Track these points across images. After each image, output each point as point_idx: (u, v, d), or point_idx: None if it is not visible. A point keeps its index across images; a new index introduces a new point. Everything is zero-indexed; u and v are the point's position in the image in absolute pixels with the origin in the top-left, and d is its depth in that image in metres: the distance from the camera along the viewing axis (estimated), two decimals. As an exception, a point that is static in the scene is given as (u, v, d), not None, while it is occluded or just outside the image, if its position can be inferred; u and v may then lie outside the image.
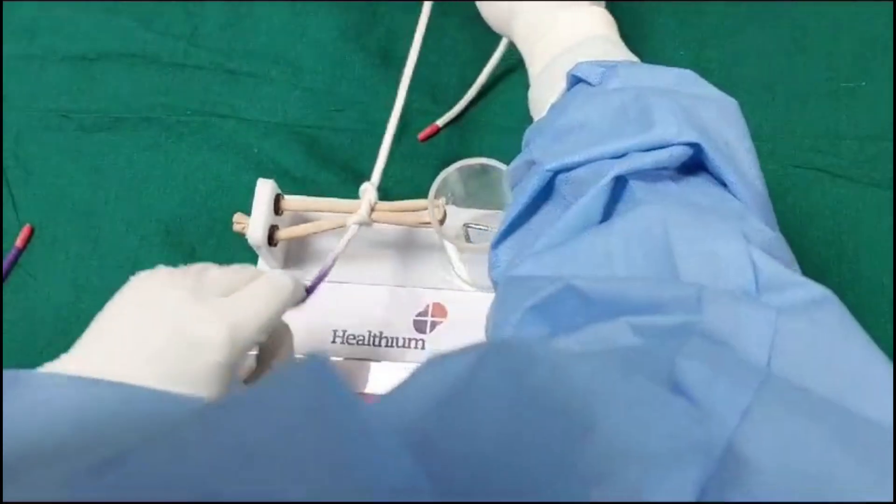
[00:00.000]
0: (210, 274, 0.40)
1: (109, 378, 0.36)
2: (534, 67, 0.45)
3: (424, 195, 0.49)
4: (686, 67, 0.61)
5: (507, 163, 0.48)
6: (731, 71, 0.60)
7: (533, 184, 0.36)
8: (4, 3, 0.65)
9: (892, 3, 0.60)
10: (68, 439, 0.19)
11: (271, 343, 0.43)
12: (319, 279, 0.45)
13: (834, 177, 0.56)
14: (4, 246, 0.58)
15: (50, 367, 0.37)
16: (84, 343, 0.38)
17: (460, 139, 0.60)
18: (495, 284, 0.38)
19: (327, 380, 0.18)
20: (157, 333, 0.37)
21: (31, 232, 0.58)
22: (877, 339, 0.29)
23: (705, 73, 0.60)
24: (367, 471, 0.16)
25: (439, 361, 0.22)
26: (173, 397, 0.24)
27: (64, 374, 0.23)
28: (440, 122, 0.59)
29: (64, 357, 0.37)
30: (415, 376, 0.22)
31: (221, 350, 0.37)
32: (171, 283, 0.39)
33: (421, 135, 0.59)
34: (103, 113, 0.62)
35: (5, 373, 0.23)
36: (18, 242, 0.57)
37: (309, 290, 0.44)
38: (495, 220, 0.53)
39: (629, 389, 0.22)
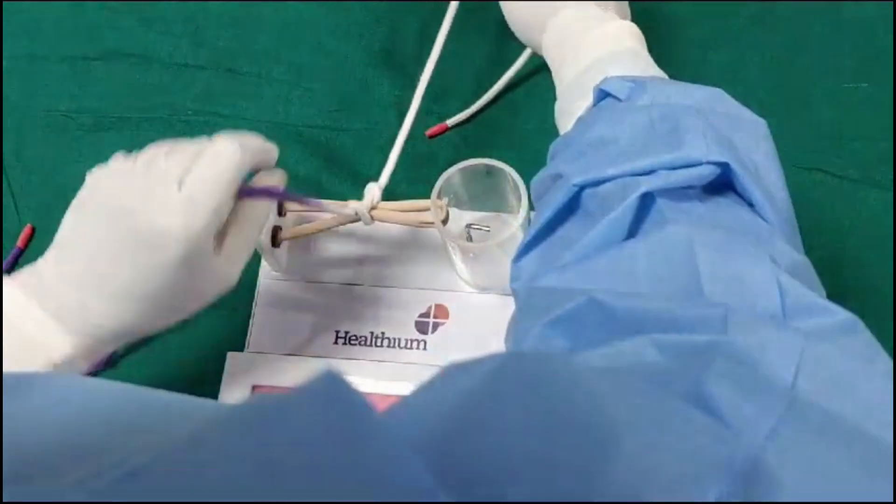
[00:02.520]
0: (159, 165, 0.39)
1: (82, 280, 0.39)
2: (561, 79, 0.45)
3: (427, 195, 0.49)
4: (688, 69, 0.61)
5: (513, 165, 0.48)
6: (734, 72, 0.60)
7: (558, 198, 0.36)
8: (5, 3, 0.65)
9: (893, 4, 0.60)
10: (82, 443, 0.19)
11: (238, 216, 0.42)
12: (267, 192, 0.43)
13: (836, 178, 0.56)
14: (5, 246, 0.58)
15: (28, 272, 0.40)
16: (57, 246, 0.40)
17: (465, 142, 0.60)
18: (516, 297, 0.38)
19: (344, 393, 0.18)
20: (117, 237, 0.38)
21: (32, 232, 0.58)
22: (879, 341, 0.29)
23: (707, 75, 0.60)
24: (384, 483, 0.16)
25: (457, 370, 0.22)
26: (190, 401, 0.24)
27: (76, 376, 0.23)
28: (450, 122, 0.59)
29: (40, 262, 0.40)
30: (432, 384, 0.22)
31: (179, 243, 0.38)
32: (122, 183, 0.39)
33: (429, 131, 0.59)
34: (105, 113, 0.61)
35: (17, 374, 0.23)
36: (20, 243, 0.57)
37: (250, 193, 0.42)
38: (497, 222, 0.53)
39: (652, 407, 0.22)
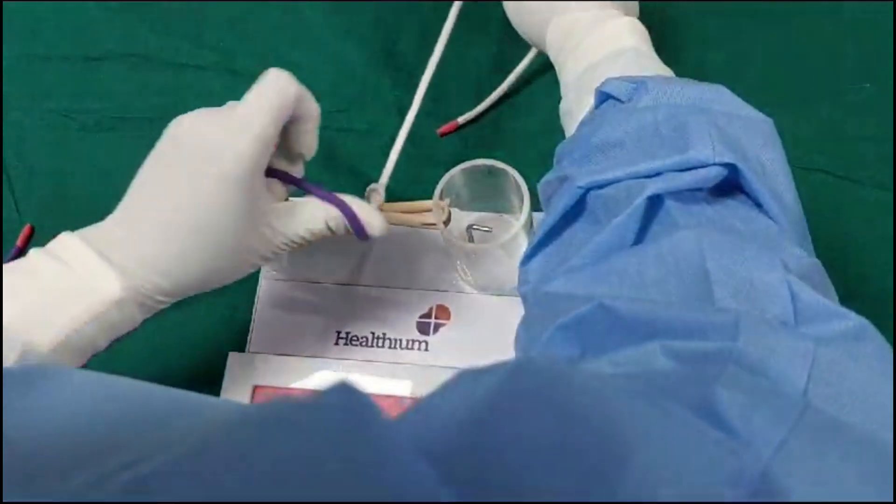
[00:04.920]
0: (233, 104, 0.42)
1: (132, 215, 0.40)
2: (565, 78, 0.45)
3: (429, 196, 0.48)
4: (689, 69, 0.61)
5: (515, 166, 0.48)
6: (735, 72, 0.60)
7: (564, 200, 0.36)
8: (5, 3, 0.65)
9: (893, 4, 0.60)
10: (92, 440, 0.19)
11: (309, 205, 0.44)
12: (290, 178, 0.45)
13: (837, 178, 0.56)
14: (5, 245, 0.58)
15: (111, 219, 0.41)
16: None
17: (467, 142, 0.59)
18: (525, 301, 0.37)
19: (356, 401, 0.18)
20: (168, 158, 0.41)
21: (32, 231, 0.58)
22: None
23: (708, 75, 0.60)
24: (393, 489, 0.16)
25: (469, 376, 0.22)
26: (201, 399, 0.24)
27: (86, 371, 0.23)
28: (461, 120, 0.59)
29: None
30: (444, 390, 0.22)
31: (221, 156, 0.39)
32: (190, 118, 0.41)
33: (440, 129, 0.59)
34: (106, 113, 0.61)
35: (24, 368, 0.23)
36: (19, 242, 0.57)
37: (275, 174, 0.44)
38: (499, 223, 0.53)
39: (664, 418, 0.21)
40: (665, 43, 0.61)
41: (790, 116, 0.58)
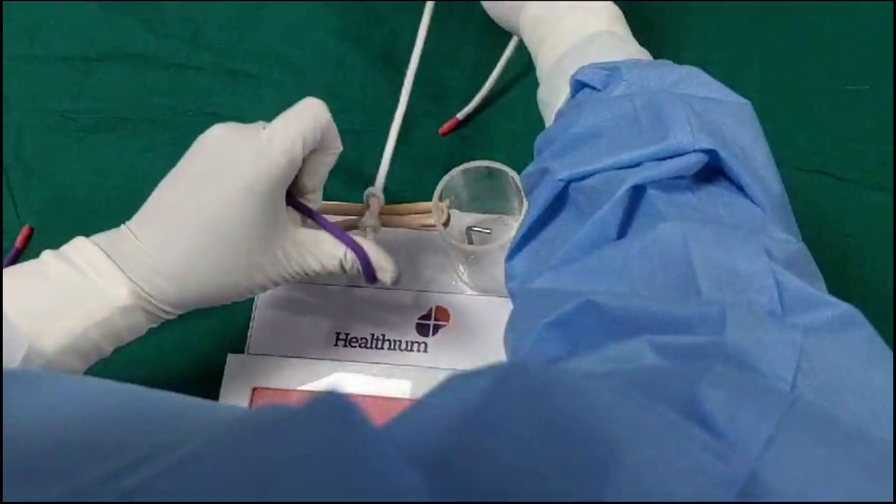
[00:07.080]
0: (264, 123, 0.43)
1: (146, 218, 0.41)
2: (541, 66, 0.45)
3: (428, 197, 0.48)
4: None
5: (514, 167, 0.48)
6: (735, 73, 0.60)
7: (546, 193, 0.36)
8: (5, 3, 0.65)
9: (893, 4, 0.60)
10: (90, 443, 0.19)
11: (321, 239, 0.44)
12: (306, 209, 0.45)
13: (836, 180, 0.56)
14: (4, 246, 0.57)
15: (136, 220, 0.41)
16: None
17: (465, 143, 0.59)
18: (512, 297, 0.37)
19: (345, 412, 0.18)
20: (192, 171, 0.41)
21: (31, 232, 0.58)
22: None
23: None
24: (380, 497, 0.16)
25: (458, 381, 0.22)
26: (197, 404, 0.24)
27: (82, 377, 0.23)
28: (460, 115, 0.59)
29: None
30: (433, 395, 0.22)
31: (244, 172, 0.40)
32: (224, 129, 0.42)
33: (442, 129, 0.59)
34: (104, 113, 0.61)
35: (23, 370, 0.23)
36: (18, 243, 0.57)
37: (296, 205, 0.44)
38: (499, 224, 0.53)
39: (653, 421, 0.21)
40: (665, 43, 0.61)
41: (789, 118, 0.58)
